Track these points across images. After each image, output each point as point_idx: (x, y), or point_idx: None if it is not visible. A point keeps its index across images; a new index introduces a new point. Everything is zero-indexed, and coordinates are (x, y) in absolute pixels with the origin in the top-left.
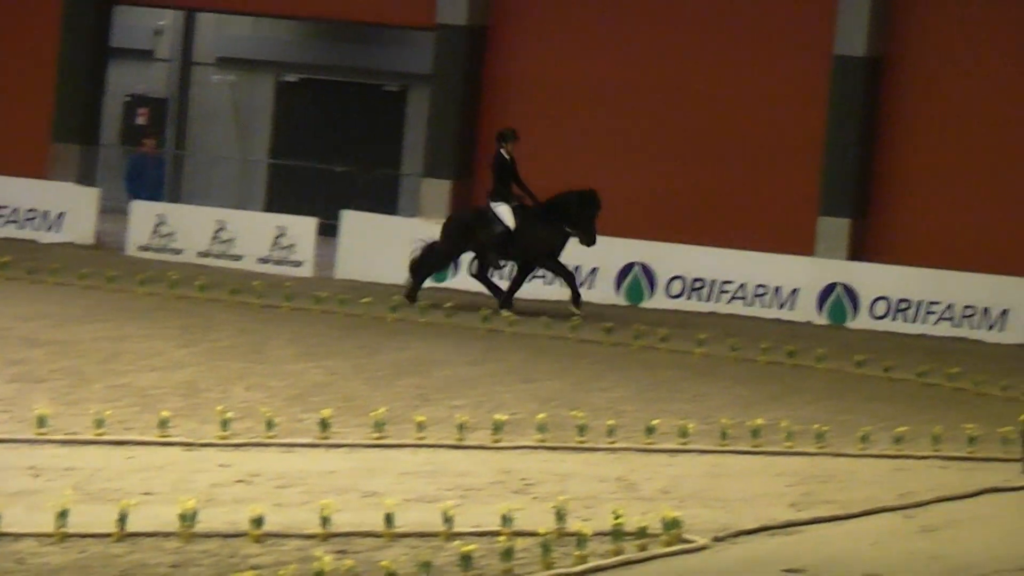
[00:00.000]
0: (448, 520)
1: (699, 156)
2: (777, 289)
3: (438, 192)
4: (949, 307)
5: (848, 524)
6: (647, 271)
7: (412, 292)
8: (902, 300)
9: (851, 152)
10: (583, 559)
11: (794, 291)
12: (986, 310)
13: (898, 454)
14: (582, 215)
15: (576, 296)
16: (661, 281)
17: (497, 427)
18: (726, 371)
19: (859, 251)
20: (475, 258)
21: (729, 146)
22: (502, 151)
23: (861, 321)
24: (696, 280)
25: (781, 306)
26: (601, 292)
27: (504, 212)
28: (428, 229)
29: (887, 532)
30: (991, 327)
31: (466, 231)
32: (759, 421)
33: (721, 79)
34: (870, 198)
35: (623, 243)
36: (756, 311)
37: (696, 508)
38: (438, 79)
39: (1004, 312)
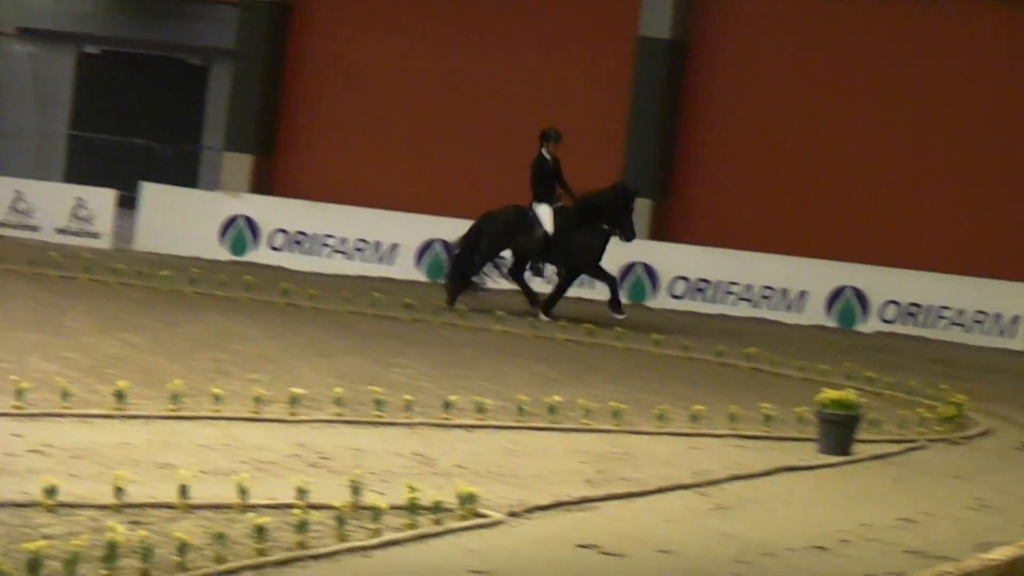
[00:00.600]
0: (243, 492)
1: (503, 139)
2: None
3: (239, 166)
4: (748, 288)
5: (643, 501)
6: (447, 247)
7: (452, 298)
8: (701, 280)
9: (653, 135)
10: (378, 532)
11: None
12: (784, 291)
13: (694, 432)
14: (620, 212)
15: (616, 302)
16: None
17: (294, 401)
18: (525, 349)
19: (660, 232)
20: (514, 259)
21: (532, 129)
22: (543, 151)
23: (660, 300)
24: (499, 259)
25: (581, 284)
26: (402, 268)
27: (544, 214)
28: (228, 203)
29: (681, 509)
30: (789, 308)
31: (504, 231)
32: (556, 398)
33: (524, 63)
34: (671, 180)
35: (424, 219)
36: None
37: (492, 484)
38: (241, 54)
39: (802, 294)
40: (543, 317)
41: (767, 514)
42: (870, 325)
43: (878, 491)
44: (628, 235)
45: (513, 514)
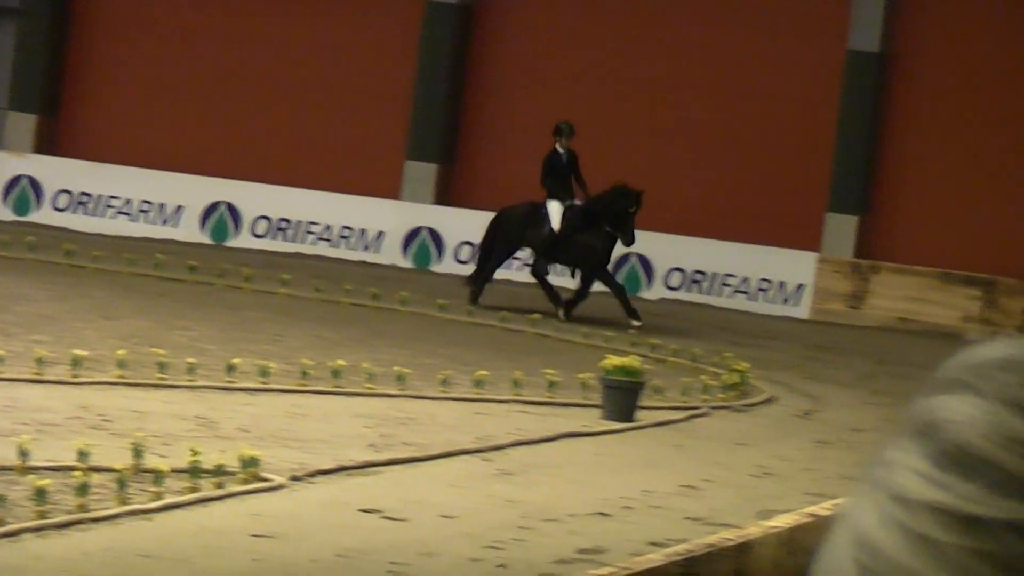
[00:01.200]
0: (24, 454)
1: (296, 101)
2: (363, 232)
3: (23, 126)
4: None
5: (426, 466)
6: (233, 210)
7: (474, 297)
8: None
9: (439, 100)
10: (159, 496)
11: (380, 234)
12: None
13: (478, 398)
14: (621, 215)
15: (630, 310)
16: (247, 221)
17: (76, 362)
18: (310, 312)
19: (444, 196)
20: (532, 255)
21: (328, 96)
22: (557, 146)
23: (446, 265)
24: (282, 220)
25: (366, 248)
26: (186, 230)
27: (554, 211)
28: (11, 163)
29: (465, 475)
30: (572, 276)
31: (517, 227)
32: (340, 362)
33: (313, 26)
34: (456, 145)
35: (209, 181)
36: (342, 253)
37: (275, 448)
38: (25, 12)
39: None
40: (562, 317)
41: (550, 480)
42: (655, 292)
43: (661, 458)
44: (628, 239)
45: (296, 478)
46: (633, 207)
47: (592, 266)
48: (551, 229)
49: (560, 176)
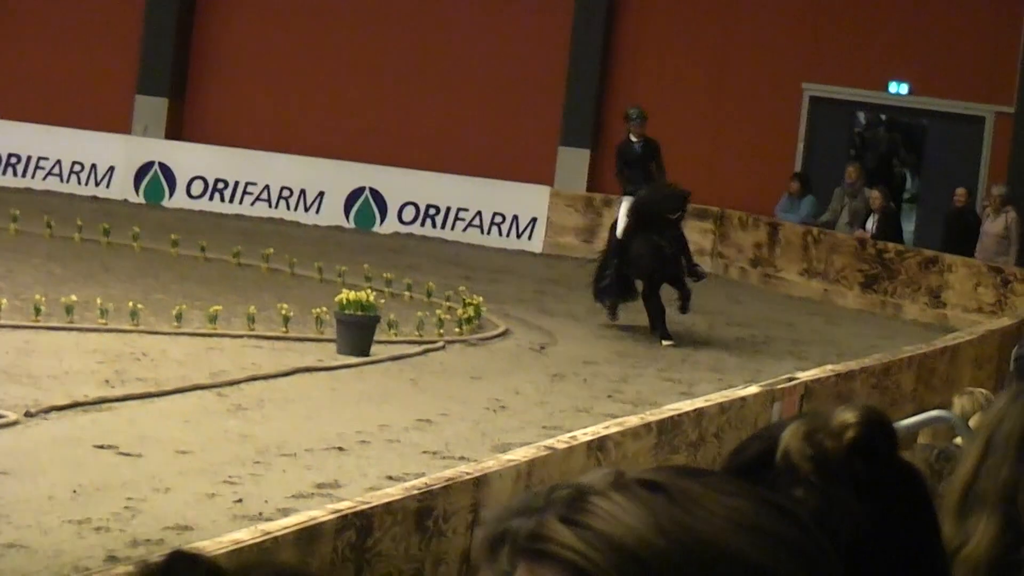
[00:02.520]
0: None
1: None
2: (93, 167)
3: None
4: (266, 188)
5: (161, 402)
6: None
7: (612, 314)
8: (219, 180)
9: (168, 33)
10: None
11: (110, 169)
12: (302, 192)
13: (212, 333)
14: (661, 218)
15: (662, 330)
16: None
17: None
18: (40, 248)
19: (176, 131)
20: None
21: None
22: (630, 136)
23: (178, 201)
24: (12, 155)
25: (98, 184)
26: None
27: (622, 212)
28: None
29: (199, 410)
30: (307, 209)
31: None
32: (73, 298)
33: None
34: (186, 79)
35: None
36: (72, 188)
37: (7, 384)
38: None
39: (320, 195)
40: (664, 343)
41: (286, 415)
42: (388, 226)
43: (397, 392)
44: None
45: (29, 414)
46: (677, 212)
47: (640, 277)
48: (613, 235)
49: (632, 169)
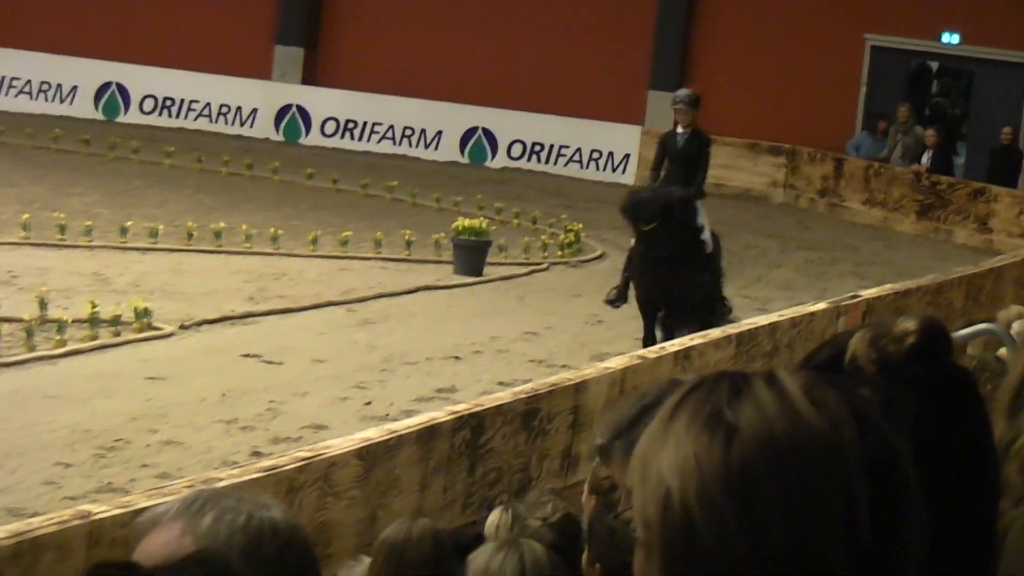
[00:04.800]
0: None
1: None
2: (239, 109)
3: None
4: (390, 128)
5: (298, 316)
6: (122, 89)
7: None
8: (349, 121)
9: None
10: (63, 343)
11: (253, 111)
12: (422, 131)
13: (343, 255)
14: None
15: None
16: (135, 99)
17: None
18: (191, 181)
19: (310, 78)
20: None
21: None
22: (676, 125)
23: (312, 139)
24: (167, 99)
25: (242, 124)
26: (79, 108)
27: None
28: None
29: (332, 324)
30: (426, 146)
31: None
32: (221, 225)
33: None
34: (320, 29)
35: (98, 64)
36: (219, 128)
37: (164, 300)
38: None
39: (438, 133)
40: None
41: (408, 328)
42: (498, 162)
43: (506, 308)
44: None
45: (184, 327)
46: (650, 223)
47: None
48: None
49: (676, 165)
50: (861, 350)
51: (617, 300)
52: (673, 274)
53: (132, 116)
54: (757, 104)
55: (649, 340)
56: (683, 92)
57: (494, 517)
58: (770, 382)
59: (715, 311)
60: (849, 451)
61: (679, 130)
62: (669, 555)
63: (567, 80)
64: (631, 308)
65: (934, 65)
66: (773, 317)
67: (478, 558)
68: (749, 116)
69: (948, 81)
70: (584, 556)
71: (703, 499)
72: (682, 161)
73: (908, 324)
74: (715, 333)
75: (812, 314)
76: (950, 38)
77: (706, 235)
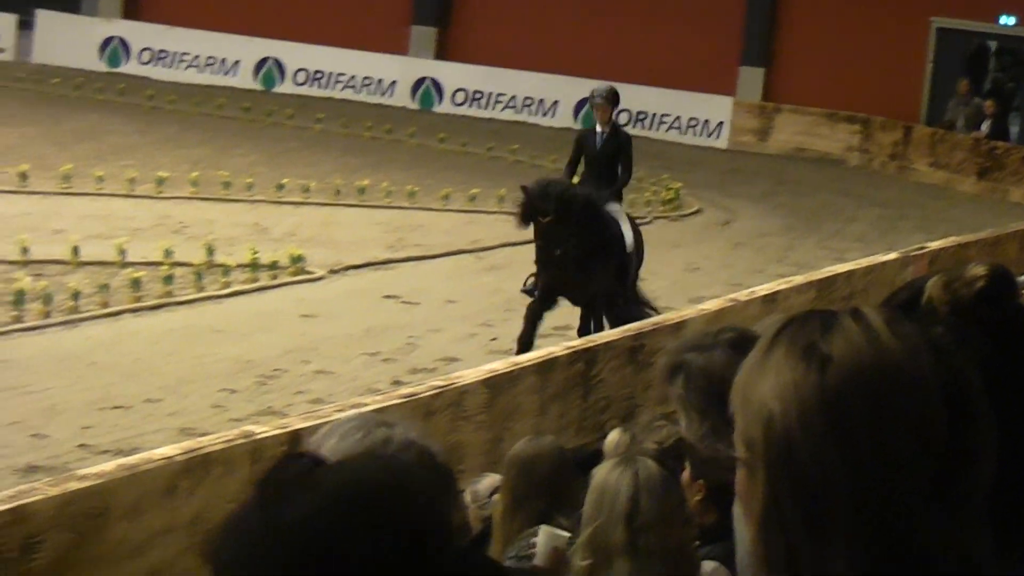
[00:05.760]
0: (121, 252)
1: None
2: (379, 81)
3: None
4: (512, 98)
5: (432, 263)
6: (278, 63)
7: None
8: (476, 91)
9: None
10: (227, 285)
11: (392, 83)
12: (540, 101)
13: (471, 209)
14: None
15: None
16: (290, 71)
17: (159, 181)
18: (337, 144)
19: (443, 53)
20: None
21: None
22: (596, 123)
23: (444, 107)
24: (317, 72)
25: (383, 94)
26: (241, 79)
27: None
28: (105, 26)
29: (461, 269)
30: (544, 114)
31: None
32: (364, 182)
33: None
34: (452, 9)
35: (258, 41)
36: (363, 97)
37: (315, 248)
38: None
39: (554, 103)
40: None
41: (528, 273)
42: None
43: None
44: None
45: (333, 271)
46: (547, 215)
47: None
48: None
49: (593, 167)
50: (936, 293)
51: (533, 290)
52: (570, 272)
53: (287, 87)
54: (835, 77)
55: (527, 332)
56: (602, 86)
57: (613, 436)
58: (856, 317)
59: (631, 311)
60: (927, 378)
61: (598, 128)
62: (772, 470)
63: (667, 55)
64: (725, 256)
65: (992, 44)
66: (849, 265)
67: (599, 472)
68: (828, 88)
69: (1005, 59)
70: (685, 474)
71: (802, 420)
72: (600, 162)
73: (978, 270)
74: (797, 279)
75: (884, 263)
76: (1007, 20)
77: (628, 238)
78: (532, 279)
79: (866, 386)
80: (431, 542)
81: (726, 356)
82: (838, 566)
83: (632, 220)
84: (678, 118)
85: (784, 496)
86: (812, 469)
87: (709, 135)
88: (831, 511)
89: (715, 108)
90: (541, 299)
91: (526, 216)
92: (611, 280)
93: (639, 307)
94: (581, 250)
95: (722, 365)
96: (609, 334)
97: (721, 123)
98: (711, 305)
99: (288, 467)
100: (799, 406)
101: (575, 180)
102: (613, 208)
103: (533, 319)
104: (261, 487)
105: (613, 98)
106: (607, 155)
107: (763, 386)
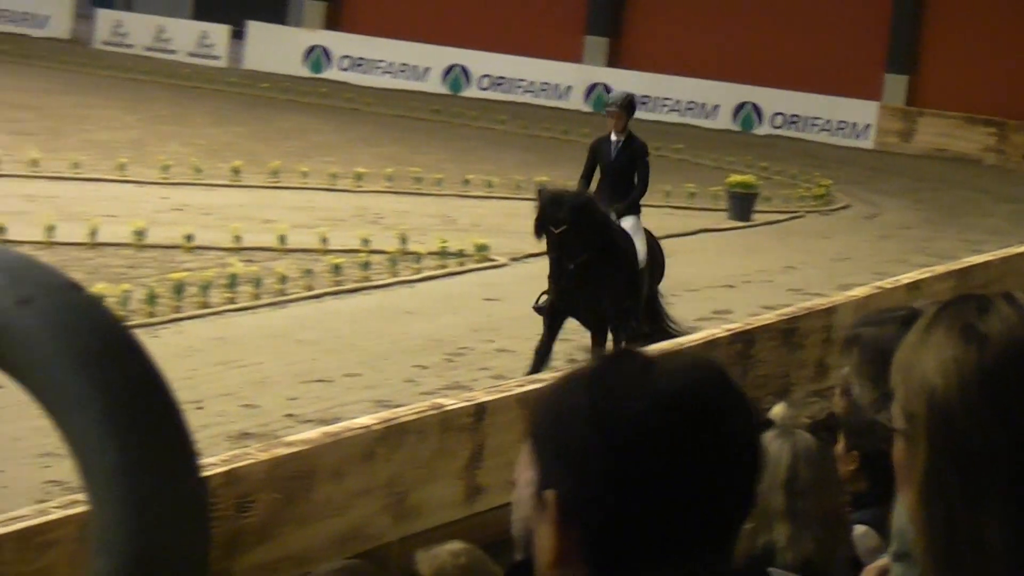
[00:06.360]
0: (323, 240)
1: None
2: (556, 86)
3: (315, 10)
4: (676, 102)
5: None
6: (465, 71)
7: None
8: (643, 96)
9: None
10: (419, 271)
11: (568, 88)
12: (702, 104)
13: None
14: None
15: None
16: (475, 77)
17: (358, 177)
18: (518, 143)
19: (614, 61)
20: None
21: None
22: (611, 131)
23: None
24: (499, 78)
25: (559, 98)
26: (430, 84)
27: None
28: (308, 35)
29: None
30: (705, 117)
31: None
32: (543, 178)
33: None
34: (622, 21)
35: (446, 50)
36: (541, 101)
37: (498, 237)
38: None
39: (715, 107)
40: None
41: (691, 262)
42: (763, 129)
43: (770, 247)
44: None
45: (514, 259)
46: (560, 225)
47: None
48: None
49: (608, 177)
50: None
51: (544, 308)
52: (585, 287)
53: (472, 91)
54: (974, 83)
55: (543, 349)
56: (617, 93)
57: (778, 409)
58: (1009, 300)
59: (626, 325)
60: None
61: (613, 137)
62: (933, 441)
63: (818, 63)
64: (871, 247)
65: None
66: (986, 256)
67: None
68: (967, 92)
69: None
70: (839, 445)
71: (963, 394)
72: (615, 172)
73: None
74: (939, 269)
75: (1020, 254)
76: None
77: (641, 254)
78: (544, 296)
79: (1021, 362)
80: (745, 454)
81: (897, 331)
82: (994, 532)
83: (649, 234)
84: (828, 121)
85: (944, 465)
86: (971, 440)
87: (856, 136)
88: (989, 480)
89: (862, 112)
90: (550, 316)
91: (539, 226)
92: (621, 297)
93: (657, 325)
94: (589, 263)
95: (892, 339)
96: (766, 317)
97: (868, 125)
98: (859, 292)
99: (621, 365)
100: (959, 381)
101: (591, 190)
102: (628, 222)
103: (550, 334)
104: (593, 380)
105: (628, 106)
106: (622, 164)
107: (925, 363)
